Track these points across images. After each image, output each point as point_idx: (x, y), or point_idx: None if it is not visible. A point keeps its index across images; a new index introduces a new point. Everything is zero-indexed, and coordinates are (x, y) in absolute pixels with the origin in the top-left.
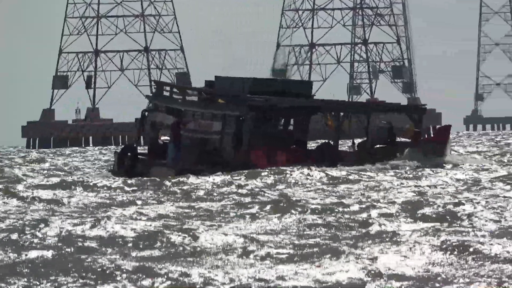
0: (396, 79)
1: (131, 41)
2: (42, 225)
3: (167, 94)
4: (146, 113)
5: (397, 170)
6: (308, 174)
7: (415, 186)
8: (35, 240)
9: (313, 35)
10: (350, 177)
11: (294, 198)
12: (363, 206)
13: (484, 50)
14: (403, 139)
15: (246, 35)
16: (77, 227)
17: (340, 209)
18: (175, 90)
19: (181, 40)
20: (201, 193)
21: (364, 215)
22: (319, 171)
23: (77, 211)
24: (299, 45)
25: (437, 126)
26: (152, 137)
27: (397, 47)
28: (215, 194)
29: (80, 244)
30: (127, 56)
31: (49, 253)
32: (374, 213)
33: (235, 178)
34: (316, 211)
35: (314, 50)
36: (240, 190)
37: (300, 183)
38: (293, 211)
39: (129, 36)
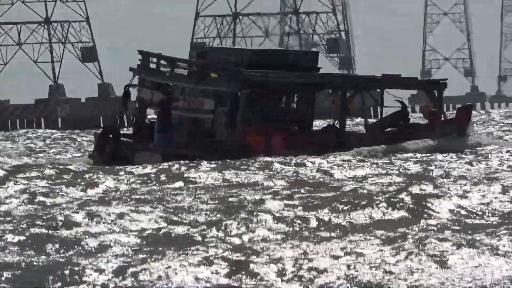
0: (332, 53)
1: (29, 11)
2: None
3: (153, 66)
4: (130, 89)
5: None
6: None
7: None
8: None
9: (237, 4)
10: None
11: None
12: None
13: (431, 19)
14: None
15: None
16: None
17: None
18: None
19: (86, 10)
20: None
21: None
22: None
23: None
24: (221, 15)
25: (457, 106)
26: (137, 117)
27: (332, 18)
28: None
29: None
30: (25, 29)
31: None
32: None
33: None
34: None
35: (238, 20)
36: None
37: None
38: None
39: (27, 6)
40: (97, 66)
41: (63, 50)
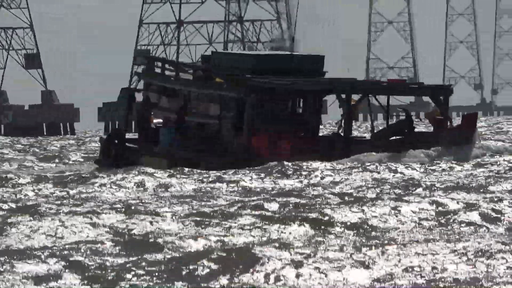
0: None
1: None
2: None
3: (159, 71)
4: (135, 93)
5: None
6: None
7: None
8: None
9: (181, 11)
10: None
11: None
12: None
13: (375, 28)
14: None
15: (104, 11)
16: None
17: None
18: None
19: (30, 17)
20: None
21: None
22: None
23: None
24: (166, 23)
25: (462, 114)
26: (143, 121)
27: (277, 25)
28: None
29: None
30: None
31: None
32: None
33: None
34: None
35: (182, 28)
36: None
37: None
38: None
39: None
40: (41, 73)
41: (7, 57)
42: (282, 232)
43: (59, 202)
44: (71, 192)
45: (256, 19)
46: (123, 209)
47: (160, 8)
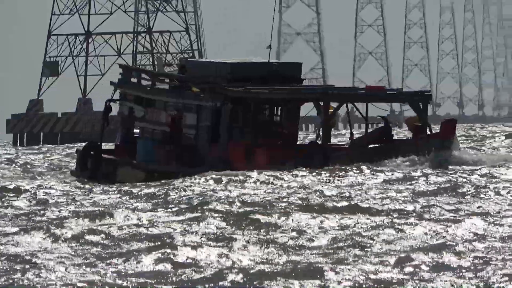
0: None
1: None
2: None
3: (135, 80)
4: (111, 104)
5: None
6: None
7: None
8: None
9: (89, 23)
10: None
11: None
12: None
13: (284, 40)
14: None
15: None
16: None
17: None
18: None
19: None
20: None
21: None
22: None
23: None
24: (74, 34)
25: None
26: (121, 132)
27: (186, 37)
28: None
29: None
30: None
31: None
32: None
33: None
34: None
35: (90, 39)
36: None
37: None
38: None
39: None
40: None
41: None
42: None
43: None
44: None
45: (165, 30)
46: None
47: (69, 20)
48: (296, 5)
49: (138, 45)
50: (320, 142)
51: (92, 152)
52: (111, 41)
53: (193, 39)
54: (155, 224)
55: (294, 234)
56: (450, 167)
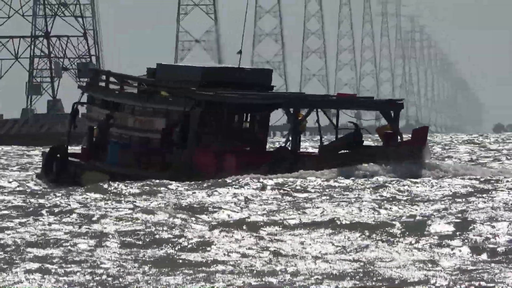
0: (82, 78)
1: None
2: None
3: (103, 84)
4: (79, 107)
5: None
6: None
7: None
8: None
9: None
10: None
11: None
12: None
13: (183, 47)
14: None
15: None
16: None
17: None
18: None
19: None
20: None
21: None
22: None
23: None
24: None
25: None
26: (87, 135)
27: (83, 42)
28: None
29: None
30: None
31: None
32: None
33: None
34: None
35: None
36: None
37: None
38: None
39: None
40: None
41: None
42: None
43: None
44: None
45: (62, 35)
46: None
47: None
48: (194, 12)
49: (35, 49)
50: (289, 148)
51: (58, 155)
52: (8, 44)
53: (90, 44)
54: None
55: None
56: (422, 175)
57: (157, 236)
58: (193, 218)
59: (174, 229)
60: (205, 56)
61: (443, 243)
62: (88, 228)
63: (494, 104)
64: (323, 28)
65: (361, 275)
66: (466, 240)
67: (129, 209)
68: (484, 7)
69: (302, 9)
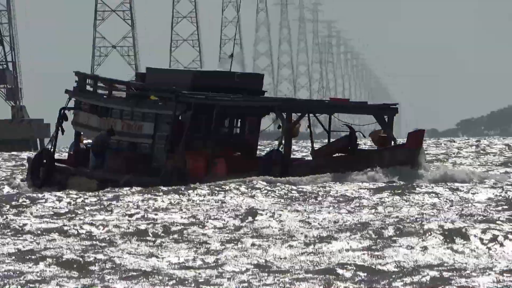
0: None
1: None
2: None
3: (91, 88)
4: (66, 112)
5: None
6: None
7: None
8: None
9: None
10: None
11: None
12: None
13: (100, 53)
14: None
15: None
16: None
17: None
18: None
19: None
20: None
21: None
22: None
23: None
24: None
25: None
26: (74, 141)
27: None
28: None
29: None
30: None
31: None
32: None
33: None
34: None
35: None
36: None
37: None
38: None
39: None
40: None
41: None
42: None
43: None
44: None
45: None
46: None
47: None
48: (111, 18)
49: None
50: (281, 150)
51: (44, 161)
52: None
53: (7, 51)
54: None
55: None
56: (417, 179)
57: None
58: None
59: None
60: (122, 61)
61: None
62: None
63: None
64: (240, 34)
65: None
66: None
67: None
68: (400, 12)
69: (219, 15)
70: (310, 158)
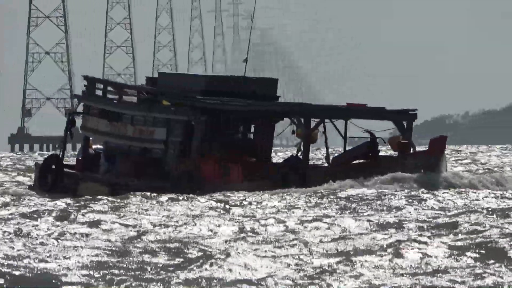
0: None
1: None
2: None
3: (100, 93)
4: (75, 117)
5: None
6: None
7: None
8: None
9: None
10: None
11: None
12: None
13: (33, 59)
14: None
15: None
16: None
17: None
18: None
19: None
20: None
21: None
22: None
23: None
24: None
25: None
26: (82, 146)
27: None
28: None
29: None
30: None
31: None
32: None
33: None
34: None
35: None
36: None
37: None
38: None
39: None
40: None
41: None
42: None
43: None
44: None
45: None
46: None
47: None
48: (45, 24)
49: None
50: (300, 157)
51: (53, 166)
52: None
53: None
54: None
55: None
56: (440, 188)
57: None
58: None
59: None
60: (55, 68)
61: None
62: None
63: None
64: (174, 41)
65: None
66: None
67: None
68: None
69: (153, 21)
70: (325, 164)
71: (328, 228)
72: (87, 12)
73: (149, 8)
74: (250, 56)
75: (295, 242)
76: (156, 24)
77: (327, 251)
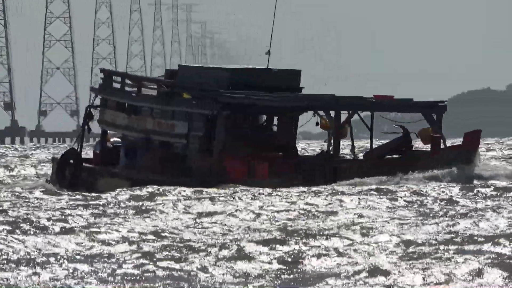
0: None
1: None
2: None
3: (118, 86)
4: (92, 110)
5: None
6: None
7: None
8: None
9: None
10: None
11: None
12: None
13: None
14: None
15: None
16: None
17: None
18: (128, 81)
19: None
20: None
21: None
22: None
23: None
24: None
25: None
26: (100, 140)
27: None
28: None
29: None
30: None
31: None
32: None
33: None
34: None
35: None
36: None
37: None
38: None
39: None
40: None
41: None
42: None
43: None
44: None
45: None
46: None
47: None
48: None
49: None
50: (331, 153)
51: (71, 161)
52: None
53: None
54: None
55: None
56: (475, 182)
57: None
58: None
59: None
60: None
61: None
62: None
63: None
64: (113, 34)
65: None
66: None
67: None
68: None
69: (92, 15)
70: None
71: None
72: (27, 6)
73: (89, 2)
74: (189, 50)
75: None
76: (95, 18)
77: None
